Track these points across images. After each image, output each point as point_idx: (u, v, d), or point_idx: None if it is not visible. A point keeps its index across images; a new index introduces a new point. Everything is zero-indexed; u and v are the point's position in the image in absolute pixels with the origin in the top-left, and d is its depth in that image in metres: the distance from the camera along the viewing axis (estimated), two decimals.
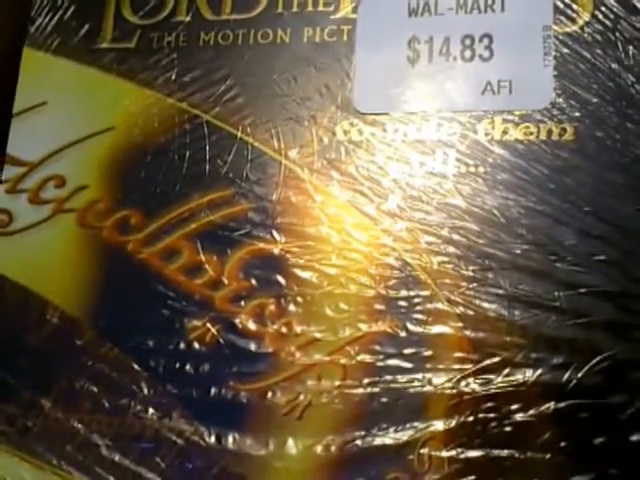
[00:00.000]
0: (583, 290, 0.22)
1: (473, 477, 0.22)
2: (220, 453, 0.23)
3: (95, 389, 0.24)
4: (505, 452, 0.22)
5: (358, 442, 0.23)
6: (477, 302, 0.23)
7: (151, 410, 0.24)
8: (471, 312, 0.23)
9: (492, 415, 0.22)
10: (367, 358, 0.23)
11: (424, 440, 0.22)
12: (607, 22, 0.24)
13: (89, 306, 0.25)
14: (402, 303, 0.23)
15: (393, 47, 0.25)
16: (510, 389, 0.22)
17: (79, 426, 0.24)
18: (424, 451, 0.22)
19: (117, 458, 0.24)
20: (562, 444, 0.21)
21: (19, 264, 0.26)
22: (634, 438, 0.21)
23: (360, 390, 0.23)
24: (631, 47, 0.23)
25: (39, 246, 0.26)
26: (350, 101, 0.25)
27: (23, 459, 0.25)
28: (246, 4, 0.27)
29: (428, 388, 0.22)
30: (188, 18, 0.27)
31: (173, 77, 0.27)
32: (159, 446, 0.24)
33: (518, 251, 0.23)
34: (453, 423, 0.22)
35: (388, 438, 0.22)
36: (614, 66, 0.23)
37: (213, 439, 0.23)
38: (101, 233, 0.26)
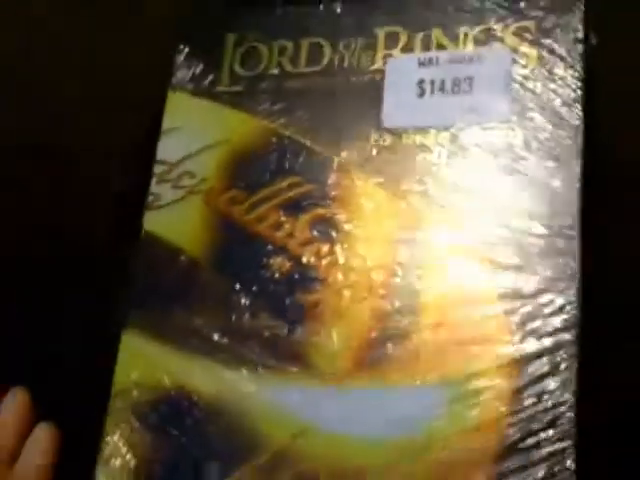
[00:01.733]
0: (526, 233, 0.30)
1: (453, 349, 0.29)
2: (291, 340, 0.32)
3: (211, 301, 0.33)
4: (472, 333, 0.29)
5: (377, 331, 0.31)
6: (459, 242, 0.31)
7: (247, 314, 0.33)
8: (456, 248, 0.31)
9: (466, 311, 0.30)
10: (386, 279, 0.32)
11: (421, 328, 0.30)
12: (547, 67, 0.33)
13: (209, 252, 0.35)
14: (411, 244, 0.32)
15: (408, 86, 0.35)
16: (479, 294, 0.30)
17: (201, 323, 0.33)
18: (419, 335, 0.30)
19: (225, 342, 0.32)
20: (510, 328, 0.29)
21: (164, 227, 0.36)
22: (556, 322, 0.29)
23: (380, 299, 0.31)
24: (560, 82, 0.32)
25: (177, 215, 0.36)
26: (380, 120, 0.34)
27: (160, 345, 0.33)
28: (315, 61, 0.36)
29: (425, 295, 0.31)
30: (276, 71, 0.37)
31: (267, 108, 0.36)
32: (252, 336, 0.32)
33: (486, 209, 0.31)
34: (441, 317, 0.30)
35: (397, 328, 0.31)
36: (550, 95, 0.32)
37: (286, 330, 0.32)
38: (217, 206, 0.35)
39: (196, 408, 0.32)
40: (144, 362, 0.34)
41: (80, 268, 0.38)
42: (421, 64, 0.36)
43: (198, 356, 0.33)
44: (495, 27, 0.35)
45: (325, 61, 0.37)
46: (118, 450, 0.33)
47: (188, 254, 0.35)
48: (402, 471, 0.29)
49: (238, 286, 0.34)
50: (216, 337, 0.33)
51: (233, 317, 0.33)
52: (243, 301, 0.34)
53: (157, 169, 0.37)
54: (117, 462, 0.32)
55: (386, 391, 0.31)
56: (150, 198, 0.37)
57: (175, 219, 0.36)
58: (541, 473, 0.28)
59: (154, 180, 0.37)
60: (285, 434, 0.31)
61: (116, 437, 0.33)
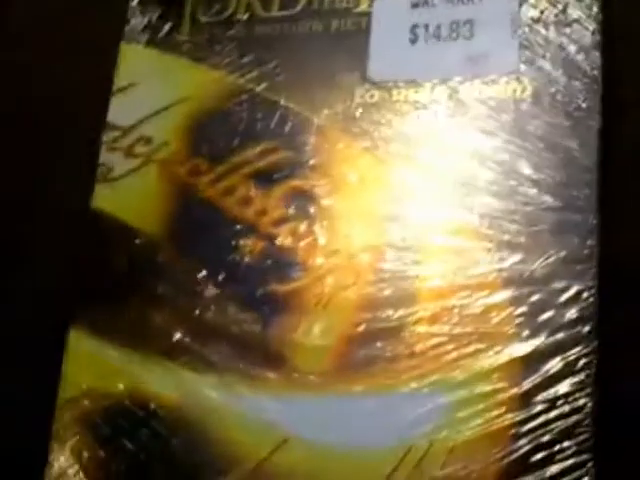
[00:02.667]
0: (535, 206, 0.28)
1: (452, 345, 0.28)
2: (264, 336, 0.30)
3: (172, 291, 0.31)
4: (475, 327, 0.28)
5: (366, 324, 0.29)
6: (458, 218, 0.29)
7: (213, 306, 0.31)
8: (453, 226, 0.29)
9: (466, 300, 0.28)
10: (375, 262, 0.29)
11: (415, 320, 0.28)
12: (559, 7, 0.30)
13: (168, 231, 0.33)
14: (403, 221, 0.30)
15: (399, 32, 0.32)
16: (480, 280, 0.28)
17: (160, 319, 0.31)
18: (415, 328, 0.28)
19: (187, 341, 0.30)
20: (517, 320, 0.27)
21: (117, 202, 0.34)
22: (571, 314, 0.27)
23: (369, 286, 0.29)
24: (575, 25, 0.30)
25: (131, 188, 0.33)
26: (366, 72, 0.32)
27: (113, 345, 0.31)
28: (289, 3, 0.34)
29: (419, 282, 0.29)
30: (245, 16, 0.34)
31: (234, 61, 0.34)
32: (219, 333, 0.30)
33: (489, 179, 0.29)
34: (438, 307, 0.28)
35: (389, 320, 0.29)
36: (563, 40, 0.30)
37: (259, 326, 0.30)
38: (178, 177, 0.33)
39: (155, 419, 0.30)
40: (95, 365, 0.31)
41: (16, 253, 0.36)
42: (414, 5, 0.33)
43: (157, 358, 0.31)
44: None
45: (302, 3, 0.34)
46: (67, 469, 0.30)
47: (144, 236, 0.33)
48: None
49: (203, 273, 0.32)
50: (177, 335, 0.31)
51: (197, 311, 0.31)
52: (208, 291, 0.32)
53: (107, 135, 0.35)
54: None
55: (377, 396, 0.28)
56: (100, 169, 0.35)
57: (129, 194, 0.34)
58: None
59: (104, 148, 0.35)
60: (261, 448, 0.29)
61: (64, 454, 0.31)
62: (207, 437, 0.30)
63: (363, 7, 0.33)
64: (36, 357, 0.33)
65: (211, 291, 0.31)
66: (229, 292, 0.31)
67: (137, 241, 0.33)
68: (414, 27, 0.32)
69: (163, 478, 0.30)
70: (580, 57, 0.30)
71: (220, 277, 0.31)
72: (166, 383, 0.31)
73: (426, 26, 0.32)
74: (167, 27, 0.35)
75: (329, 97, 0.32)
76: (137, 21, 0.36)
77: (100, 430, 0.31)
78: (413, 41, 0.32)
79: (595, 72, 0.29)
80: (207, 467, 0.29)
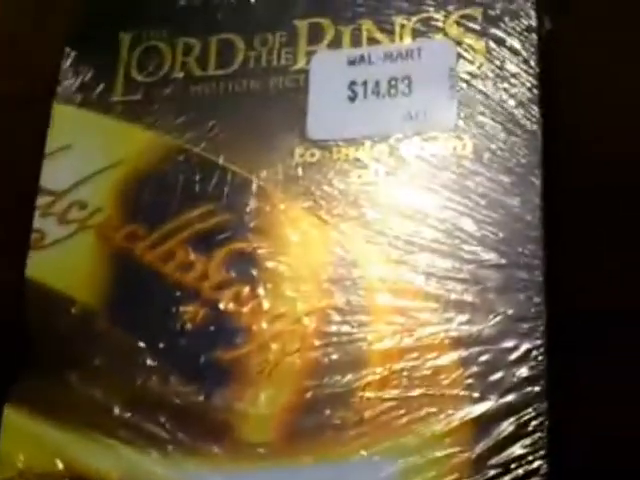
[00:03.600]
0: (480, 264, 0.28)
1: (403, 410, 0.27)
2: (208, 407, 0.29)
3: (110, 363, 0.30)
4: (425, 389, 0.27)
5: (313, 391, 0.28)
6: (403, 278, 0.29)
7: (154, 377, 0.30)
8: (398, 286, 0.28)
9: (415, 362, 0.28)
10: (320, 326, 0.29)
11: (364, 385, 0.28)
12: (497, 62, 0.30)
13: (105, 300, 0.32)
14: (347, 283, 0.29)
15: (337, 89, 0.32)
16: (428, 342, 0.28)
17: (98, 394, 0.30)
18: (363, 394, 0.28)
19: (127, 415, 0.29)
20: (467, 381, 0.27)
21: (50, 272, 0.32)
22: (521, 373, 0.27)
23: (314, 351, 0.29)
24: (513, 80, 0.30)
25: (66, 256, 0.32)
26: (305, 131, 0.31)
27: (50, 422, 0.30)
28: (226, 62, 0.34)
29: (366, 345, 0.28)
30: (181, 75, 0.34)
31: (170, 120, 0.33)
32: (161, 405, 0.29)
33: (432, 237, 0.29)
34: (386, 371, 0.28)
35: (336, 386, 0.28)
36: (502, 95, 0.30)
37: (202, 397, 0.29)
38: (114, 243, 0.32)
39: None
40: (32, 443, 0.30)
41: None
42: (351, 62, 0.33)
43: (96, 434, 0.29)
44: (436, 16, 0.32)
45: (239, 61, 0.34)
46: None
47: (80, 305, 0.32)
48: None
49: (142, 343, 0.31)
50: (117, 410, 0.30)
51: (137, 383, 0.30)
52: (148, 362, 0.30)
53: (40, 200, 0.34)
54: None
55: (327, 467, 0.27)
56: (33, 236, 0.34)
57: (63, 261, 0.32)
58: None
59: (37, 213, 0.34)
60: None
61: None
62: None
63: (301, 64, 0.33)
64: None
65: (151, 362, 0.30)
66: (170, 362, 0.30)
67: (72, 311, 0.32)
68: (352, 84, 0.32)
69: None
70: (519, 112, 0.30)
71: (160, 346, 0.30)
72: (106, 460, 0.29)
73: (364, 83, 0.32)
74: (100, 87, 0.35)
75: (269, 157, 0.32)
76: (70, 81, 0.35)
77: None
78: (352, 98, 0.32)
79: (535, 127, 0.29)
80: None
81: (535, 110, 0.30)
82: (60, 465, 0.29)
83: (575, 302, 0.28)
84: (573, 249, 0.28)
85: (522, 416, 0.26)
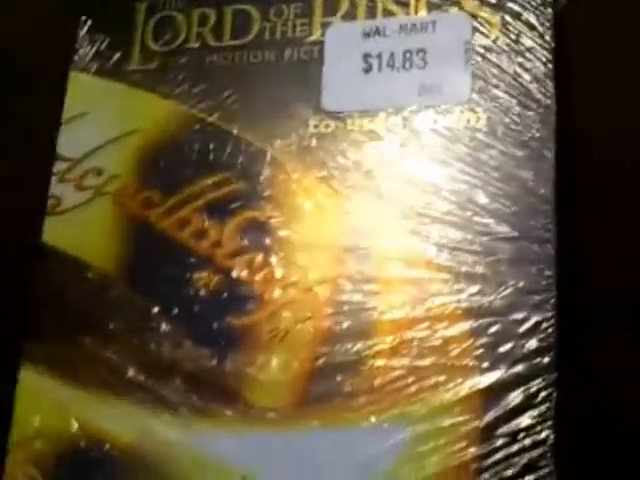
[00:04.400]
0: (492, 236, 0.28)
1: (412, 378, 0.27)
2: (220, 372, 0.29)
3: (125, 327, 0.30)
4: (434, 359, 0.27)
5: (324, 358, 0.28)
6: (415, 249, 0.28)
7: (168, 342, 0.30)
8: (410, 257, 0.28)
9: (425, 332, 0.27)
10: (332, 295, 0.29)
11: (374, 354, 0.27)
12: (512, 36, 0.30)
13: (121, 265, 0.31)
14: (359, 252, 0.29)
15: (352, 61, 0.31)
16: (438, 312, 0.27)
17: (113, 356, 0.30)
18: (374, 362, 0.27)
19: (141, 378, 0.29)
20: (477, 352, 0.27)
21: (67, 237, 0.32)
22: (531, 345, 0.26)
23: (326, 319, 0.28)
24: (528, 54, 0.29)
25: (82, 222, 0.32)
26: (319, 102, 0.31)
27: (65, 383, 0.30)
28: (241, 32, 0.33)
29: (377, 315, 0.28)
30: (197, 45, 0.33)
31: (186, 90, 0.33)
32: (174, 369, 0.29)
33: (445, 209, 0.28)
34: (397, 340, 0.27)
35: (347, 354, 0.28)
36: (516, 69, 0.29)
37: (215, 361, 0.29)
38: (130, 209, 0.32)
39: (110, 460, 0.28)
40: (47, 405, 0.30)
41: None
42: (366, 34, 0.32)
43: (111, 396, 0.29)
44: None
45: (254, 32, 0.33)
46: None
47: (96, 270, 0.31)
48: None
49: (156, 308, 0.31)
50: (131, 373, 0.30)
51: (151, 347, 0.30)
52: (163, 327, 0.30)
53: (57, 166, 0.33)
54: None
55: (336, 432, 0.27)
56: (50, 202, 0.33)
57: (79, 227, 0.32)
58: None
59: (54, 180, 0.33)
60: None
61: None
62: (163, 477, 0.28)
63: (315, 36, 0.32)
64: None
65: (165, 327, 0.30)
66: (183, 327, 0.30)
67: (88, 276, 0.32)
68: (367, 56, 0.31)
69: None
70: (534, 86, 0.29)
71: (174, 312, 0.30)
72: (120, 422, 0.29)
73: (379, 55, 0.31)
74: (116, 56, 0.34)
75: (283, 127, 0.31)
76: (86, 50, 0.35)
77: (54, 471, 0.29)
78: (366, 70, 0.31)
79: (549, 102, 0.29)
80: None
81: (550, 85, 0.29)
82: (75, 425, 0.29)
83: (592, 279, 0.27)
84: (589, 225, 0.28)
85: (531, 387, 0.26)
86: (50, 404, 0.30)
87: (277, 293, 0.29)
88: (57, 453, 0.29)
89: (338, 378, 0.28)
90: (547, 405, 0.26)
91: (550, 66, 0.29)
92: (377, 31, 0.31)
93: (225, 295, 0.30)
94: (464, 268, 0.28)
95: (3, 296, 0.33)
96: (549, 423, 0.26)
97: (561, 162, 0.27)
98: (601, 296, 0.27)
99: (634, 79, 0.31)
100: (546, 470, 0.25)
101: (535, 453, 0.25)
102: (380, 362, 0.28)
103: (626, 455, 0.28)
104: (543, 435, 0.26)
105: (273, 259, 0.30)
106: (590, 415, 0.27)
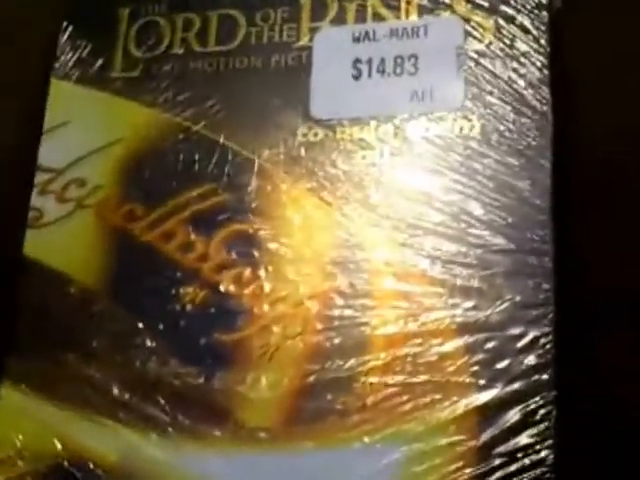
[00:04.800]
0: (487, 249, 0.26)
1: (406, 396, 0.26)
2: (208, 390, 0.27)
3: (109, 344, 0.29)
4: (429, 376, 0.26)
5: (315, 375, 0.27)
6: (408, 262, 0.27)
7: (153, 359, 0.28)
8: (403, 270, 0.27)
9: (419, 348, 0.26)
10: (323, 310, 0.27)
11: (367, 371, 0.26)
12: (506, 40, 0.28)
13: (104, 280, 0.30)
14: (350, 266, 0.28)
15: (341, 67, 0.30)
16: (433, 327, 0.26)
17: (96, 374, 0.28)
18: (366, 379, 0.26)
19: (126, 396, 0.28)
20: (473, 369, 0.26)
21: (48, 250, 0.31)
22: (529, 361, 0.25)
23: (317, 335, 0.27)
24: (523, 59, 0.28)
25: (64, 235, 0.31)
26: (308, 110, 0.30)
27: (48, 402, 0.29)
28: (227, 38, 0.32)
29: (370, 330, 0.27)
30: (181, 51, 0.32)
31: (170, 98, 0.31)
32: (160, 387, 0.28)
33: (438, 220, 0.27)
34: (390, 356, 0.26)
35: (339, 371, 0.27)
36: (511, 74, 0.28)
37: (202, 379, 0.28)
38: (113, 222, 0.30)
39: (95, 479, 0.28)
40: (30, 424, 0.28)
41: None
42: (355, 39, 0.31)
43: (95, 415, 0.28)
44: None
45: (239, 37, 0.32)
46: None
47: (79, 284, 0.30)
48: None
49: (141, 324, 0.29)
50: (116, 391, 0.28)
51: (136, 364, 0.29)
52: (148, 343, 0.29)
53: (39, 178, 0.32)
54: None
55: (328, 453, 0.26)
56: (31, 214, 0.32)
57: (61, 240, 0.31)
58: None
59: (35, 191, 0.32)
60: None
61: None
62: None
63: (304, 42, 0.31)
64: None
65: (150, 343, 0.29)
66: (169, 344, 0.29)
67: (71, 290, 0.30)
68: (357, 62, 0.30)
69: None
70: (529, 92, 0.28)
71: (160, 327, 0.29)
72: (105, 441, 0.28)
73: (369, 61, 0.30)
74: (99, 63, 0.33)
75: (271, 136, 0.30)
76: (67, 56, 0.33)
77: None
78: (356, 77, 0.30)
79: (545, 108, 0.28)
80: None
81: (545, 91, 0.28)
82: (58, 445, 0.28)
83: (595, 277, 0.26)
84: (587, 226, 0.27)
85: (529, 405, 0.25)
86: (32, 423, 0.29)
87: (266, 308, 0.28)
88: (40, 473, 0.28)
89: (330, 396, 0.27)
90: (546, 424, 0.25)
91: (546, 72, 0.28)
92: (367, 36, 0.30)
93: (212, 310, 0.29)
94: (459, 282, 0.27)
95: None
96: (549, 442, 0.24)
97: (561, 163, 0.26)
98: (605, 294, 0.26)
99: (638, 77, 0.30)
100: None
101: (534, 473, 0.24)
102: (373, 379, 0.26)
103: (629, 454, 0.27)
104: (542, 454, 0.24)
105: (262, 273, 0.29)
106: (593, 414, 0.26)
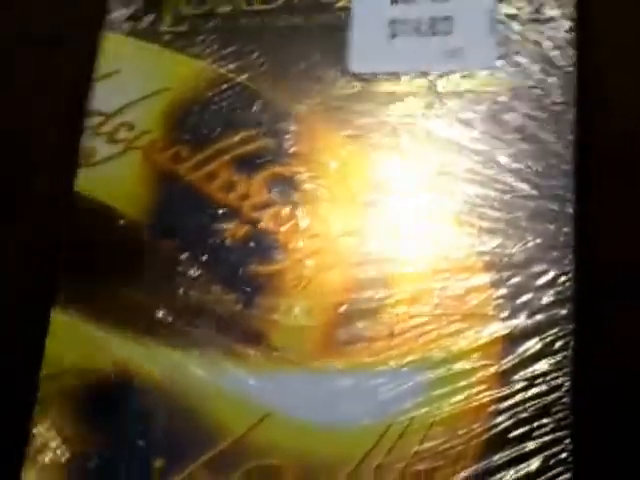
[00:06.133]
0: (513, 194, 0.27)
1: (432, 325, 0.26)
2: (246, 315, 0.28)
3: (154, 272, 0.29)
4: (454, 308, 0.26)
5: (346, 305, 0.27)
6: (438, 201, 0.27)
7: (196, 286, 0.29)
8: (433, 211, 0.27)
9: (446, 283, 0.27)
10: (355, 245, 0.28)
11: (395, 302, 0.27)
12: (535, 4, 0.29)
13: (151, 215, 0.30)
14: (382, 207, 0.28)
15: (378, 26, 0.30)
16: (460, 264, 0.27)
17: (143, 299, 0.29)
18: (395, 310, 0.27)
19: (169, 319, 0.28)
20: (496, 302, 0.26)
21: (99, 187, 0.31)
22: (549, 296, 0.26)
23: (348, 269, 0.28)
24: (551, 23, 0.28)
25: (114, 173, 0.31)
26: (346, 65, 0.30)
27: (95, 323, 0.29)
28: None
29: (400, 265, 0.27)
30: (228, 9, 0.32)
31: (215, 51, 0.32)
32: (201, 311, 0.28)
33: (467, 168, 0.28)
34: (417, 290, 0.27)
35: (369, 302, 0.27)
36: (539, 37, 0.29)
37: (241, 306, 0.28)
38: (160, 163, 0.31)
39: (138, 395, 0.28)
40: (78, 343, 0.29)
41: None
42: (393, 1, 0.32)
43: (141, 336, 0.29)
44: None
45: None
46: (48, 443, 0.28)
47: (127, 218, 0.30)
48: (376, 464, 0.26)
49: (185, 255, 0.30)
50: (160, 314, 0.29)
51: (180, 291, 0.29)
52: (191, 272, 0.29)
53: (90, 121, 0.32)
54: (47, 457, 0.28)
55: (357, 374, 0.27)
56: (83, 154, 0.32)
57: (111, 178, 0.31)
58: (534, 466, 0.25)
59: (87, 133, 0.32)
60: (241, 423, 0.27)
61: (45, 428, 0.28)
62: (189, 412, 0.27)
63: (343, 1, 0.32)
64: (20, 334, 0.30)
65: (194, 272, 0.29)
66: (211, 273, 0.29)
67: (120, 223, 0.31)
68: (393, 22, 0.31)
69: (145, 453, 0.27)
70: (556, 54, 0.29)
71: (203, 258, 0.29)
72: (149, 360, 0.28)
73: (405, 22, 0.30)
74: (149, 18, 0.33)
75: (310, 88, 0.31)
76: (119, 11, 0.34)
77: (83, 405, 0.28)
78: (393, 36, 0.30)
79: (570, 68, 0.28)
80: (189, 442, 0.27)
81: (571, 52, 0.28)
82: (105, 363, 0.29)
83: (614, 248, 0.27)
84: (611, 194, 0.27)
85: (548, 336, 0.25)
86: (80, 343, 0.29)
87: (302, 243, 0.29)
88: (87, 387, 0.29)
89: (359, 324, 0.27)
90: (564, 353, 0.25)
91: (572, 34, 0.28)
92: None
93: (251, 244, 0.29)
94: (486, 224, 0.27)
95: (40, 242, 0.32)
96: (565, 370, 0.25)
97: (583, 129, 0.27)
98: (623, 265, 0.27)
99: None
100: (561, 414, 0.25)
101: (551, 398, 0.25)
102: (401, 309, 0.27)
103: None
104: (559, 381, 0.25)
105: (299, 212, 0.29)
106: (609, 386, 0.26)
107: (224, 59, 0.32)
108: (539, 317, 0.26)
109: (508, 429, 0.25)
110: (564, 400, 0.25)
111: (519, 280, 0.26)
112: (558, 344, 0.25)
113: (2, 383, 0.31)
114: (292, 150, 0.30)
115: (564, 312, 0.26)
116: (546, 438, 0.24)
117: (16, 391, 0.30)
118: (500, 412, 0.25)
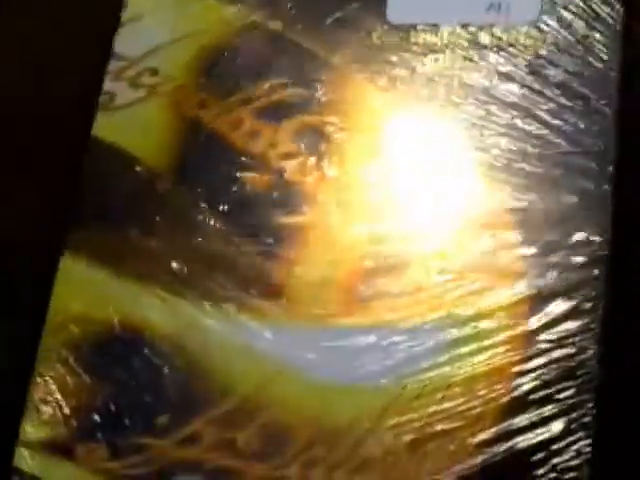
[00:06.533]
0: (551, 150, 0.30)
1: (458, 282, 0.29)
2: (267, 268, 0.31)
3: (171, 220, 0.32)
4: (482, 265, 0.29)
5: (371, 259, 0.31)
6: (471, 155, 0.30)
7: (214, 236, 0.32)
8: (465, 165, 0.30)
9: (475, 239, 0.30)
10: (383, 199, 0.31)
11: (422, 257, 0.30)
12: None
13: (170, 162, 0.34)
14: (415, 159, 0.31)
15: None
16: (489, 220, 0.30)
17: (157, 248, 0.32)
18: (421, 265, 0.30)
19: (185, 271, 0.31)
20: (526, 260, 0.29)
21: (118, 132, 0.35)
22: (581, 256, 0.29)
23: (376, 221, 0.31)
24: None
25: (135, 118, 0.35)
26: (384, 15, 0.33)
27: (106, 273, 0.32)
28: None
29: (427, 219, 0.30)
30: None
31: None
32: (218, 263, 0.31)
33: (506, 122, 0.30)
34: (445, 245, 0.30)
35: (394, 256, 0.30)
36: None
37: (262, 257, 0.31)
38: (184, 109, 0.34)
39: (148, 347, 0.31)
40: (87, 292, 0.32)
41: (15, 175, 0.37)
42: None
43: (153, 286, 0.32)
44: None
45: None
46: (49, 394, 0.31)
47: (145, 164, 0.34)
48: (394, 423, 0.29)
49: (204, 204, 0.33)
50: (175, 265, 0.32)
51: (197, 241, 0.32)
52: (210, 221, 0.33)
53: (113, 65, 0.36)
54: (48, 409, 0.31)
55: (378, 331, 0.30)
56: (103, 98, 0.36)
57: (132, 123, 0.35)
58: (555, 429, 0.27)
59: (108, 77, 0.36)
60: (255, 378, 0.30)
61: (47, 379, 0.31)
62: (201, 366, 0.31)
63: None
64: (27, 280, 0.34)
65: (212, 221, 0.32)
66: (231, 223, 0.32)
67: (137, 169, 0.34)
68: None
69: (152, 406, 0.30)
70: (603, 9, 0.32)
71: (223, 208, 0.33)
72: (161, 311, 0.32)
73: None
74: None
75: (345, 37, 0.34)
76: None
77: (88, 356, 0.31)
78: None
79: (617, 26, 0.31)
80: (200, 396, 0.30)
81: (619, 8, 0.31)
82: (114, 314, 0.32)
83: None
84: None
85: (577, 297, 0.28)
86: (89, 291, 0.33)
87: (328, 195, 0.32)
88: (93, 338, 0.32)
89: (384, 280, 0.30)
90: (592, 315, 0.28)
91: None
92: None
93: (275, 195, 0.32)
94: (519, 180, 0.30)
95: (53, 185, 0.35)
96: (593, 333, 0.28)
97: (626, 84, 0.30)
98: None
99: None
100: (586, 377, 0.27)
101: (577, 360, 0.27)
102: (427, 265, 0.30)
103: None
104: (586, 344, 0.28)
105: (326, 163, 0.32)
106: (638, 352, 0.29)
107: (256, 5, 0.35)
108: (569, 277, 0.29)
109: (530, 391, 0.28)
110: (590, 363, 0.27)
111: (550, 239, 0.29)
112: (587, 305, 0.28)
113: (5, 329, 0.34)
114: (322, 100, 0.33)
115: (595, 272, 0.28)
116: (569, 402, 0.27)
117: (20, 339, 0.33)
118: (523, 373, 0.28)
